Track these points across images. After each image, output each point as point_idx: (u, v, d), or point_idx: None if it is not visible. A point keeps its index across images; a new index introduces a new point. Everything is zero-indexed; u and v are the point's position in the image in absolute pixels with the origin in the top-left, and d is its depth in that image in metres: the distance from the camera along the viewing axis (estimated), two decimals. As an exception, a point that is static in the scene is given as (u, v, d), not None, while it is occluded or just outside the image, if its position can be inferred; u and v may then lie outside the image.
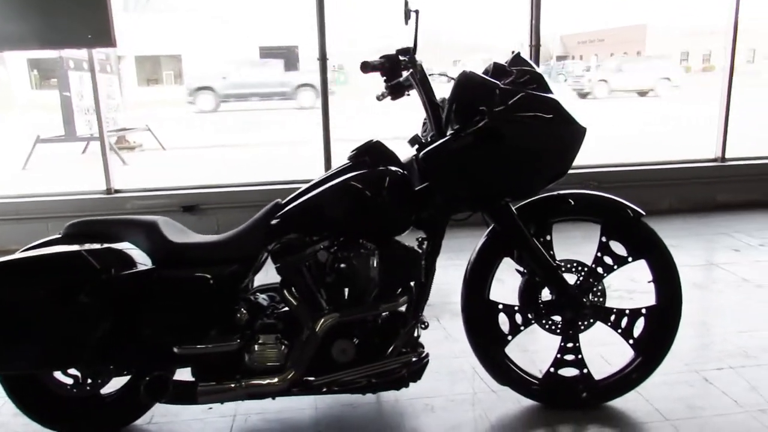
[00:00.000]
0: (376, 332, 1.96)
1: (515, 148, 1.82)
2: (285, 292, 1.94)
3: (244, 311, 1.95)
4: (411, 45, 1.83)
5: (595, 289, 2.11)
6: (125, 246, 1.88)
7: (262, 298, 2.06)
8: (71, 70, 8.68)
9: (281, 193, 2.12)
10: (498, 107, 1.78)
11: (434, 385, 2.31)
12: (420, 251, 2.00)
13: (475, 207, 2.00)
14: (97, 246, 1.81)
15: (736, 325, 2.76)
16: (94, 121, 9.23)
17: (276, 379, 1.87)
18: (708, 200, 4.84)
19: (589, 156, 3.23)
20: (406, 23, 1.74)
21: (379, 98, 2.01)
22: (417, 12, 1.76)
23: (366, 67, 1.73)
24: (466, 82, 1.84)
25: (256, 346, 1.92)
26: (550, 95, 1.85)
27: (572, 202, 2.09)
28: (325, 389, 1.91)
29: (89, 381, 1.98)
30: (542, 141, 1.84)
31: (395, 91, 1.96)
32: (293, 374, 1.86)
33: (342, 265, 1.90)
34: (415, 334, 2.06)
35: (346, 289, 1.94)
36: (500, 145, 1.81)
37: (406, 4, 1.69)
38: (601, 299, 2.11)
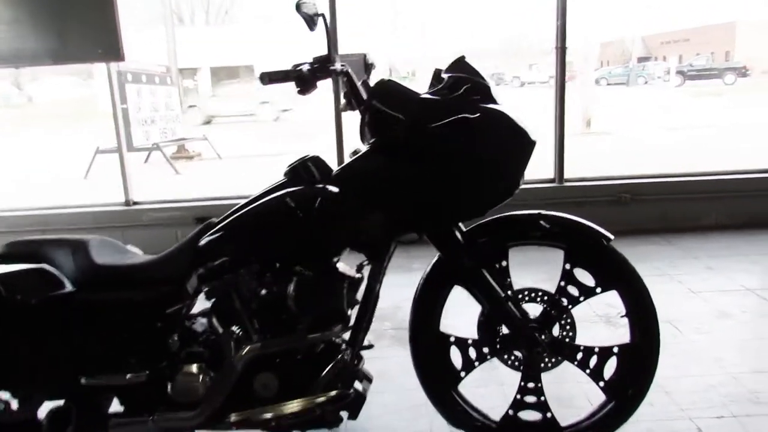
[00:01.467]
0: (305, 365, 1.80)
1: (433, 164, 1.62)
2: (213, 318, 1.83)
3: (176, 338, 1.85)
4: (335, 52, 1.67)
5: (562, 322, 1.87)
6: (49, 267, 1.83)
7: (200, 324, 1.95)
8: (129, 83, 9.05)
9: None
10: (416, 118, 1.60)
11: (390, 422, 2.14)
12: (355, 276, 1.83)
13: (412, 230, 1.81)
14: (10, 268, 1.76)
15: (754, 363, 2.40)
16: (152, 132, 9.64)
17: (190, 414, 1.75)
18: (762, 216, 4.35)
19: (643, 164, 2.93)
20: (312, 29, 1.59)
21: (343, 109, 1.86)
22: (323, 15, 1.60)
23: (264, 78, 1.58)
24: (380, 91, 1.66)
25: (178, 377, 1.81)
26: (487, 105, 1.64)
27: (531, 225, 1.86)
28: (246, 427, 1.77)
29: (18, 405, 1.94)
30: (470, 156, 1.62)
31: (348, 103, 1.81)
32: (208, 409, 1.74)
33: (263, 292, 1.76)
34: (359, 366, 1.90)
35: (270, 319, 1.80)
36: (415, 162, 1.62)
37: (300, 8, 1.52)
38: (569, 334, 1.87)
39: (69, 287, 1.81)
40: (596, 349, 1.86)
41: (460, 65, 1.73)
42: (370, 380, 1.98)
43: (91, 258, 1.87)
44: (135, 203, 4.46)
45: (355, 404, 1.83)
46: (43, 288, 1.75)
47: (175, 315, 1.86)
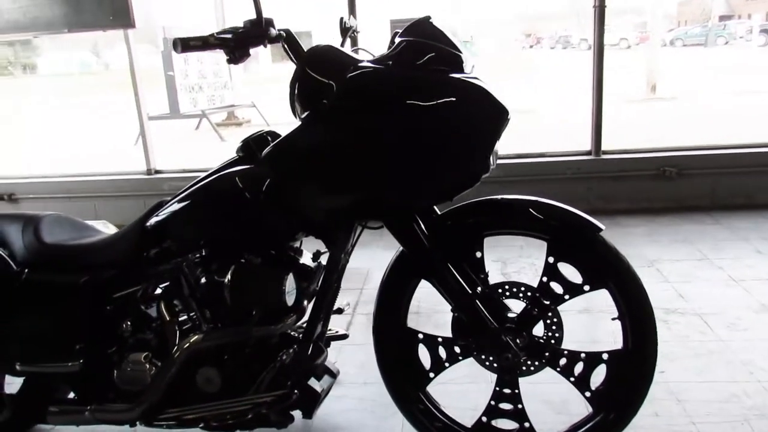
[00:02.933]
0: (252, 360, 1.65)
1: (369, 141, 1.40)
2: (161, 305, 1.70)
3: (129, 323, 1.74)
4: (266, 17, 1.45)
5: (548, 321, 1.63)
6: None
7: (155, 310, 1.83)
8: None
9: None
10: (349, 89, 1.38)
11: (361, 418, 1.97)
12: (309, 265, 1.66)
13: (364, 217, 1.61)
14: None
15: (792, 370, 2.08)
16: (199, 99, 9.68)
17: (126, 407, 1.64)
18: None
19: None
20: None
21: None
22: None
23: (177, 46, 1.38)
24: (312, 57, 1.45)
25: (123, 365, 1.70)
26: (453, 76, 1.40)
27: (508, 212, 1.61)
28: (189, 424, 1.64)
29: None
30: (416, 132, 1.39)
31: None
32: (145, 402, 1.62)
33: (203, 280, 1.61)
34: (316, 362, 1.74)
35: (215, 309, 1.65)
36: (348, 139, 1.40)
37: None
38: (554, 335, 1.63)
39: (12, 266, 1.72)
40: (582, 355, 1.61)
41: (421, 28, 1.48)
42: (334, 376, 1.83)
43: (40, 236, 1.77)
44: (156, 172, 4.42)
45: (307, 403, 1.67)
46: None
47: (128, 299, 1.75)
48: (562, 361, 1.62)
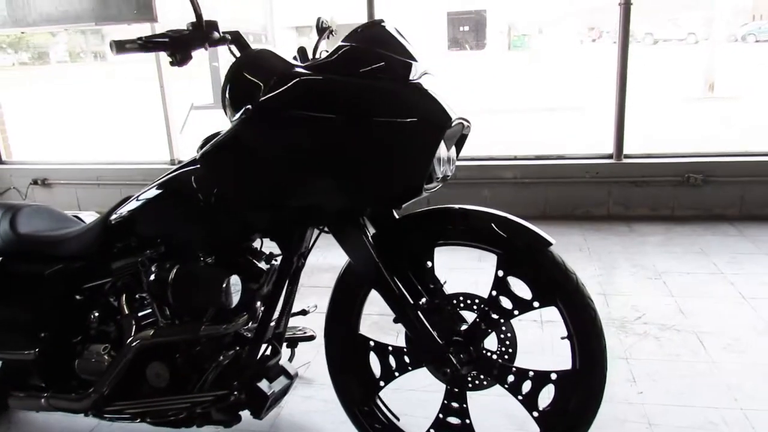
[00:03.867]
0: (199, 359, 1.67)
1: (288, 148, 1.39)
2: (122, 298, 1.74)
3: (96, 314, 1.79)
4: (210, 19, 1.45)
5: (500, 336, 1.59)
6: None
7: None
8: (220, 42, 9.25)
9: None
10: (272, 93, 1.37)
11: (323, 422, 1.97)
12: (257, 267, 1.66)
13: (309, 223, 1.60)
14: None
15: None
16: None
17: (78, 396, 1.69)
18: None
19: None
20: None
21: None
22: None
23: (112, 47, 1.39)
24: (245, 60, 1.45)
25: (84, 354, 1.75)
26: (377, 81, 1.36)
27: (461, 222, 1.57)
28: (136, 418, 1.68)
29: None
30: (337, 141, 1.36)
31: None
32: (96, 393, 1.66)
33: (152, 278, 1.64)
34: (269, 363, 1.75)
35: (167, 306, 1.67)
36: (269, 144, 1.39)
37: None
38: (508, 350, 1.58)
39: None
40: (531, 373, 1.55)
41: (369, 33, 1.44)
42: (290, 377, 1.82)
43: (16, 226, 1.84)
44: (179, 162, 4.52)
45: (255, 404, 1.68)
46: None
47: (96, 291, 1.80)
48: (510, 379, 1.56)
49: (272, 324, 1.72)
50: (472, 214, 1.57)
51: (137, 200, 1.69)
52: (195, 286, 1.56)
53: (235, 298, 1.56)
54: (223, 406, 1.62)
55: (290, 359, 1.98)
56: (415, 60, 1.43)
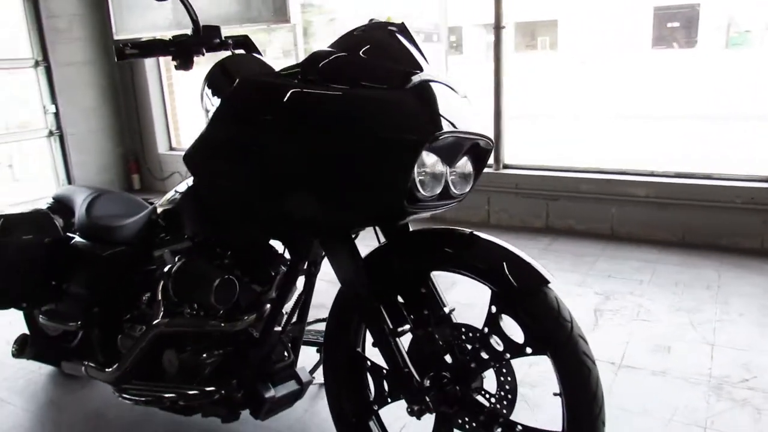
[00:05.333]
0: (205, 352, 1.71)
1: (246, 157, 1.33)
2: (159, 286, 1.86)
3: (146, 298, 1.94)
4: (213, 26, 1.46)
5: (501, 378, 1.41)
6: (51, 215, 2.07)
7: None
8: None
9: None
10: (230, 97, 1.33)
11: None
12: (272, 272, 1.66)
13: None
14: (19, 210, 2.04)
15: None
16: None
17: (107, 370, 1.83)
18: None
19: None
20: None
21: None
22: None
23: (121, 55, 1.43)
24: (229, 60, 1.43)
25: (125, 333, 1.90)
26: (342, 90, 1.26)
27: (458, 249, 1.40)
28: (142, 399, 1.77)
29: None
30: (288, 152, 1.28)
31: None
32: (118, 370, 1.79)
33: (161, 270, 1.72)
34: (282, 366, 1.74)
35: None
36: (224, 151, 1.35)
37: None
38: (503, 395, 1.40)
39: (60, 232, 2.03)
40: (519, 428, 1.35)
41: (357, 38, 1.36)
42: (301, 383, 1.79)
43: (90, 210, 2.05)
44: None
45: (253, 404, 1.69)
46: (38, 232, 1.99)
47: (148, 276, 1.94)
48: (497, 430, 1.38)
49: (279, 328, 1.71)
50: (472, 241, 1.40)
51: (175, 192, 1.78)
52: (186, 283, 1.60)
53: (225, 300, 1.57)
54: (220, 401, 1.65)
55: (315, 367, 1.97)
56: (415, 68, 1.31)
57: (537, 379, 2.09)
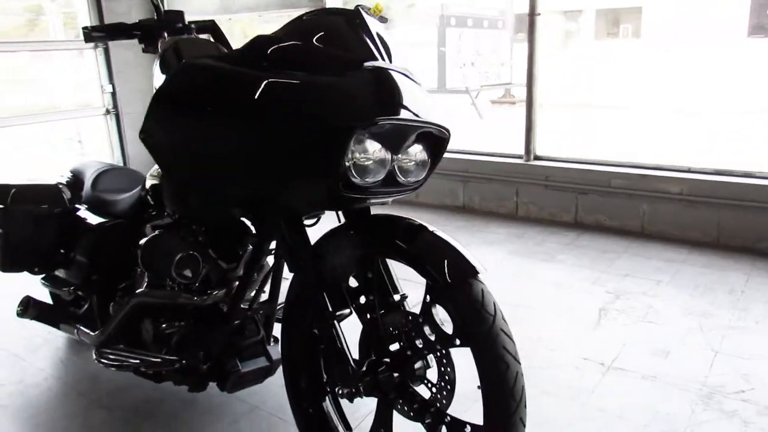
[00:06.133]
0: (177, 323, 1.80)
1: (181, 134, 1.38)
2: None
3: (138, 269, 2.05)
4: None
5: (442, 368, 1.40)
6: (61, 187, 2.21)
7: None
8: (450, 27, 9.39)
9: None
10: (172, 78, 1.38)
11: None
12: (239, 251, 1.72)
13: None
14: (31, 183, 2.19)
15: None
16: (470, 75, 9.90)
17: (93, 333, 1.95)
18: None
19: None
20: None
21: None
22: None
23: (88, 38, 1.50)
24: (183, 42, 1.47)
25: (116, 300, 2.01)
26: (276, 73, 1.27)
27: (397, 238, 1.40)
28: (115, 364, 1.85)
29: None
30: (225, 134, 1.30)
31: None
32: (102, 333, 1.90)
33: (138, 242, 1.80)
34: (250, 342, 1.80)
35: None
36: (163, 131, 1.40)
37: None
38: (445, 387, 1.39)
39: (66, 203, 2.16)
40: (447, 419, 1.35)
41: (302, 23, 1.36)
42: (270, 360, 1.84)
43: (95, 184, 2.18)
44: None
45: (220, 377, 1.75)
46: (51, 203, 2.13)
47: None
48: (428, 419, 1.38)
49: (245, 306, 1.77)
50: (417, 232, 1.38)
51: (158, 169, 1.86)
52: (152, 256, 1.68)
53: (188, 273, 1.64)
54: (184, 370, 1.72)
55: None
56: (366, 55, 1.30)
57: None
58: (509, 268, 3.10)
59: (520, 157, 3.92)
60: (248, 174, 1.34)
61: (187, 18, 1.64)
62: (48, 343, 2.44)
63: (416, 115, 1.29)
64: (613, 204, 3.55)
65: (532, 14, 3.63)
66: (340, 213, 1.57)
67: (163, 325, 1.79)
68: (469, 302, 1.25)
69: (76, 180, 2.30)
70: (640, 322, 2.45)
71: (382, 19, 1.99)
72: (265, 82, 1.25)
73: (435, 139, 1.39)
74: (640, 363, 2.15)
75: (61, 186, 2.22)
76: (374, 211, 1.49)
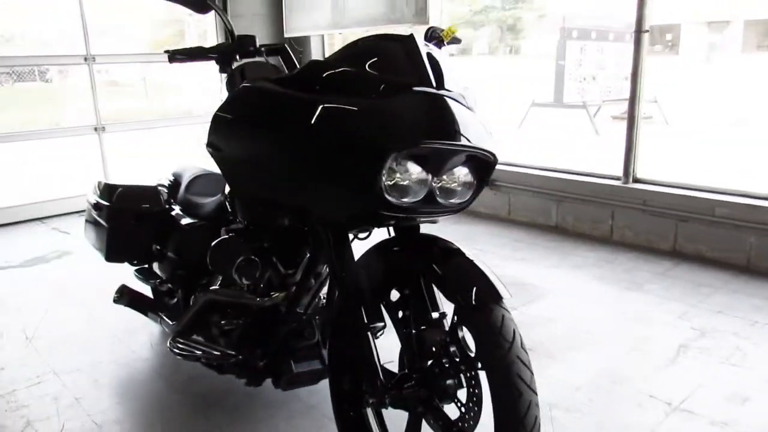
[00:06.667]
0: (239, 321, 1.94)
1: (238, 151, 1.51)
2: None
3: None
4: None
5: (471, 389, 1.43)
6: (160, 189, 2.47)
7: None
8: (571, 40, 9.10)
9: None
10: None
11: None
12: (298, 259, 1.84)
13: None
14: (134, 184, 2.46)
15: None
16: (590, 89, 9.54)
17: (171, 323, 2.15)
18: None
19: None
20: (203, 11, 1.57)
21: None
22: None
23: (171, 59, 1.65)
24: (253, 65, 1.62)
25: (197, 294, 2.21)
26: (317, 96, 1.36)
27: (432, 258, 1.43)
28: (184, 354, 2.00)
29: None
30: (275, 150, 1.41)
31: None
32: (177, 325, 2.10)
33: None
34: (305, 344, 1.92)
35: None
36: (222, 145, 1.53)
37: None
38: (473, 409, 1.42)
39: (162, 203, 2.41)
40: (463, 439, 1.37)
41: (354, 49, 1.44)
42: (323, 363, 1.93)
43: (189, 188, 2.42)
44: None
45: (275, 374, 1.88)
46: (149, 203, 2.39)
47: None
48: (452, 438, 1.41)
49: (301, 310, 1.88)
50: (451, 255, 1.42)
51: None
52: (218, 258, 1.83)
53: (251, 276, 1.78)
54: (242, 365, 1.87)
55: None
56: (417, 79, 1.34)
57: (568, 404, 2.00)
58: (590, 294, 2.99)
59: (618, 178, 3.76)
60: (294, 187, 1.45)
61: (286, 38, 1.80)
62: (144, 328, 2.71)
63: (466, 139, 1.31)
64: (717, 234, 3.31)
65: (639, 30, 3.48)
66: (390, 229, 1.64)
67: (227, 322, 1.94)
68: (488, 326, 1.26)
69: (175, 182, 2.55)
70: (723, 364, 2.28)
71: (456, 40, 2.06)
72: (312, 105, 1.34)
73: (481, 163, 1.42)
74: (712, 407, 2.01)
75: (159, 188, 2.48)
76: (424, 228, 1.55)
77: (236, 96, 1.53)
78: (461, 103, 1.38)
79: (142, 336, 2.67)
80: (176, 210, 2.41)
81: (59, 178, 6.18)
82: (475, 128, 1.36)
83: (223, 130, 1.57)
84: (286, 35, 5.44)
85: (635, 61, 3.54)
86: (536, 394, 1.24)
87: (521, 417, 1.21)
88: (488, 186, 4.15)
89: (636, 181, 3.70)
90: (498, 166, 4.66)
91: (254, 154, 1.50)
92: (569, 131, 9.38)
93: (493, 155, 1.41)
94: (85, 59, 4.65)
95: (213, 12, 1.65)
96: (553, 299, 2.94)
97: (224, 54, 1.68)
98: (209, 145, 1.61)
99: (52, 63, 6.54)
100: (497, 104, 11.53)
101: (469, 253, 1.41)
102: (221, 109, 1.55)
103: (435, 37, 1.97)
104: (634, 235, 3.67)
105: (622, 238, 3.72)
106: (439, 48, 2.02)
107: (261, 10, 5.58)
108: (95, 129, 4.85)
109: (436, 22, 4.22)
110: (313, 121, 1.34)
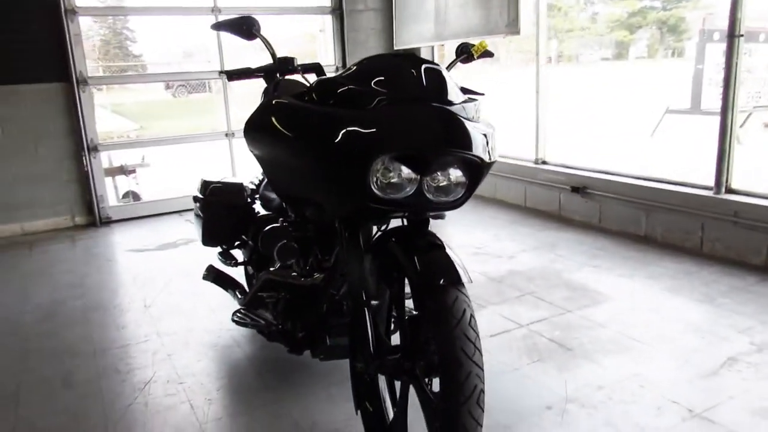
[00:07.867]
0: (289, 296, 2.27)
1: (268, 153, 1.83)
2: None
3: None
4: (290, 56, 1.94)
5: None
6: (245, 185, 2.90)
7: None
8: (712, 42, 8.47)
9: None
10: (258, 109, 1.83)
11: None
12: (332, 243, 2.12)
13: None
14: (225, 180, 2.91)
15: None
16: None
17: (240, 297, 2.56)
18: None
19: None
20: (250, 39, 1.88)
21: None
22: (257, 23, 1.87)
23: (229, 78, 1.99)
24: (286, 81, 1.95)
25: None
26: (327, 108, 1.62)
27: (414, 247, 1.64)
28: (241, 321, 2.40)
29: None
30: (293, 156, 1.70)
31: None
32: (243, 300, 2.49)
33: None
34: (337, 321, 2.20)
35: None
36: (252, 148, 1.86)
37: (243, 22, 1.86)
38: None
39: (244, 197, 2.83)
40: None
41: (366, 64, 1.69)
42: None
43: (266, 186, 2.82)
44: (543, 162, 4.84)
45: (312, 345, 2.18)
46: (234, 197, 2.82)
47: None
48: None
49: (335, 291, 2.16)
50: (431, 247, 1.62)
51: None
52: (264, 242, 2.16)
53: (284, 258, 2.10)
54: (283, 334, 2.20)
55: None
56: (415, 93, 1.56)
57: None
58: (652, 303, 2.96)
59: (709, 188, 3.61)
60: (309, 186, 1.75)
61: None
62: (234, 305, 3.17)
63: (455, 145, 1.52)
64: (754, 241, 3.09)
65: (732, 35, 3.35)
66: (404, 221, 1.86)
67: (274, 296, 2.29)
68: (441, 303, 1.46)
69: (262, 179, 2.97)
70: (765, 380, 2.21)
71: (488, 53, 2.26)
72: (321, 116, 1.61)
73: (472, 165, 1.61)
74: (734, 419, 1.99)
75: (246, 184, 2.90)
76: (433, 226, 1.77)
77: (260, 107, 1.86)
78: (458, 114, 1.57)
79: (231, 311, 3.12)
80: (257, 204, 2.82)
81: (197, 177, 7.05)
82: (467, 135, 1.55)
83: (254, 135, 1.90)
84: (395, 48, 5.80)
85: (728, 68, 3.42)
86: (480, 368, 1.42)
87: (460, 383, 1.39)
88: (578, 193, 4.19)
89: (729, 191, 3.53)
90: (588, 173, 4.68)
91: (276, 157, 1.82)
92: (705, 140, 8.72)
93: (481, 159, 1.59)
94: (219, 74, 5.34)
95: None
96: (611, 305, 2.96)
97: (268, 72, 2.02)
98: (245, 134, 1.94)
99: (199, 78, 7.46)
100: (630, 112, 11.01)
101: (448, 248, 1.61)
102: (250, 117, 1.89)
103: (466, 51, 2.18)
104: (725, 248, 3.51)
105: (712, 251, 3.57)
106: (469, 62, 2.23)
107: (376, 26, 5.99)
108: (226, 135, 5.54)
109: (530, 32, 4.32)
110: (320, 129, 1.61)
